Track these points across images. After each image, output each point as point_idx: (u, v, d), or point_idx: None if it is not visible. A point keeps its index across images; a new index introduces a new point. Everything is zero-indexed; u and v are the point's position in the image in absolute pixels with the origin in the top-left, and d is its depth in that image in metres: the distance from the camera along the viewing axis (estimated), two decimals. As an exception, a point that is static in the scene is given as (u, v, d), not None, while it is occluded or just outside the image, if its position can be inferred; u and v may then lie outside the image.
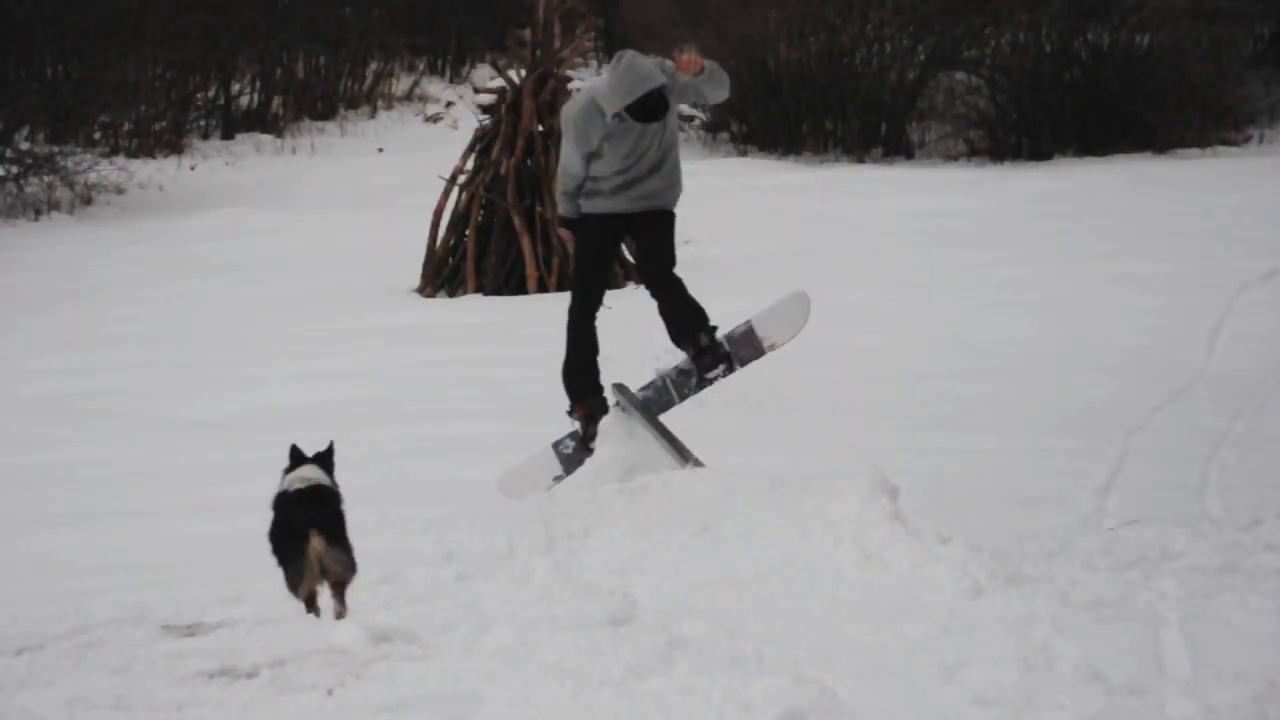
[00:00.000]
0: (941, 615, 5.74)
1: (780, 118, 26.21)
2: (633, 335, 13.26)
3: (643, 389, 8.44)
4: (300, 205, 22.14)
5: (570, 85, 17.03)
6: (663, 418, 8.88)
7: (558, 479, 8.20)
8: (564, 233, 8.39)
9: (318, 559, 6.11)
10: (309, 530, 6.07)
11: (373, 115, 29.46)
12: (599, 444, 8.49)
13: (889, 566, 6.22)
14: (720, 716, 4.90)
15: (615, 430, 9.07)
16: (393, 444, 9.58)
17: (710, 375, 8.40)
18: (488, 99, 18.09)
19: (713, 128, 27.84)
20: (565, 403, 8.49)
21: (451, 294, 16.40)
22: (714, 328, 8.29)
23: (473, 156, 16.92)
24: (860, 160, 25.69)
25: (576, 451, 8.33)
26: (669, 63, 7.93)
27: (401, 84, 30.66)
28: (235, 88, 28.32)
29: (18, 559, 7.23)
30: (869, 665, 5.28)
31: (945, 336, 12.55)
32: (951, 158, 25.87)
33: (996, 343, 12.17)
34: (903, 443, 8.88)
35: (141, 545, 7.34)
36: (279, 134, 27.94)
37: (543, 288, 16.14)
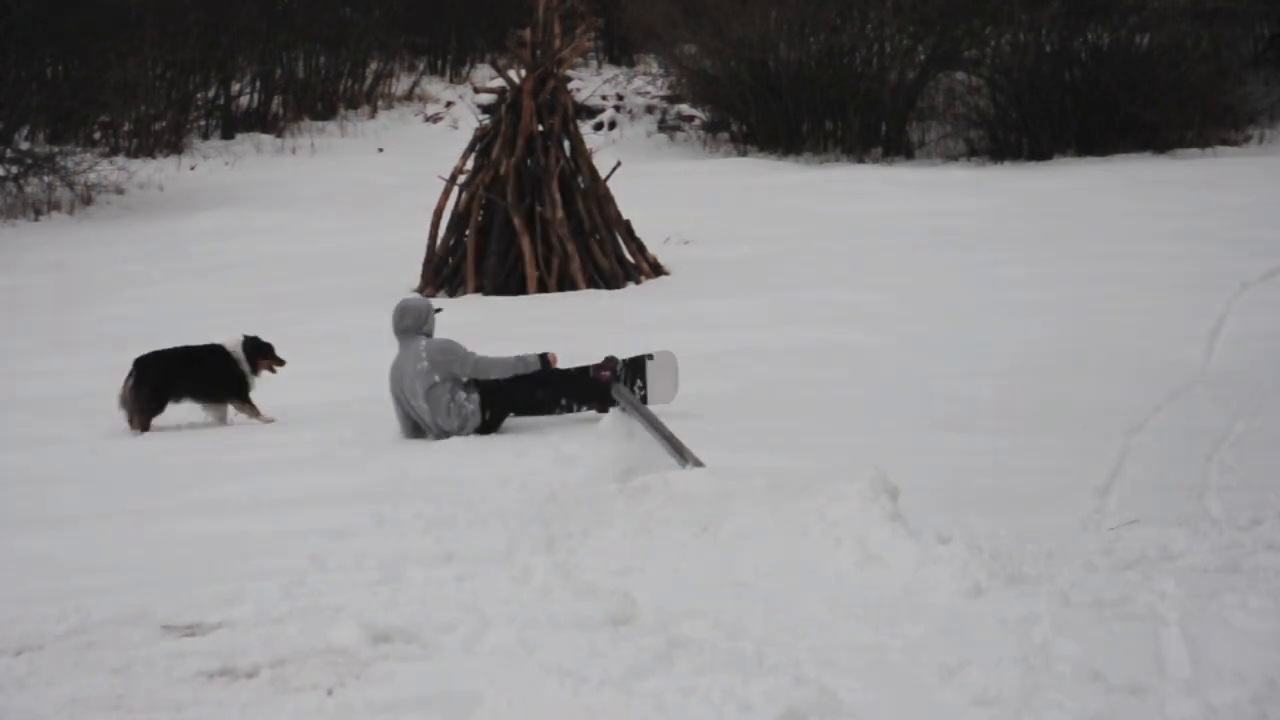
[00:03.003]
0: (941, 615, 5.74)
1: (780, 118, 26.21)
2: (634, 335, 13.28)
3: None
4: (300, 205, 22.14)
5: (570, 85, 17.04)
6: (662, 418, 8.90)
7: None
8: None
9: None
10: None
11: (373, 115, 29.46)
12: (599, 444, 8.57)
13: (889, 566, 6.22)
14: (720, 716, 4.90)
15: (615, 430, 9.08)
16: (392, 443, 9.59)
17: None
18: (488, 99, 18.15)
19: (713, 128, 27.84)
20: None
21: (451, 294, 16.40)
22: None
23: (473, 156, 16.92)
24: (860, 160, 25.69)
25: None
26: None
27: (401, 84, 30.66)
28: (235, 88, 28.32)
29: (18, 559, 7.23)
30: (869, 665, 5.28)
31: (945, 336, 12.55)
32: (951, 158, 25.87)
33: (996, 343, 12.17)
34: (903, 443, 8.87)
35: (141, 545, 7.33)
36: (279, 134, 27.95)
37: (543, 287, 16.15)
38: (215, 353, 10.56)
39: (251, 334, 10.73)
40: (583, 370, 9.84)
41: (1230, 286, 13.93)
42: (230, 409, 10.60)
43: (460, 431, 9.59)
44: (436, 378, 9.60)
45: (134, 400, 10.35)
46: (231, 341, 10.61)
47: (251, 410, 10.53)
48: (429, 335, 9.78)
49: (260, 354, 10.63)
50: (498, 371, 9.67)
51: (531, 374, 9.70)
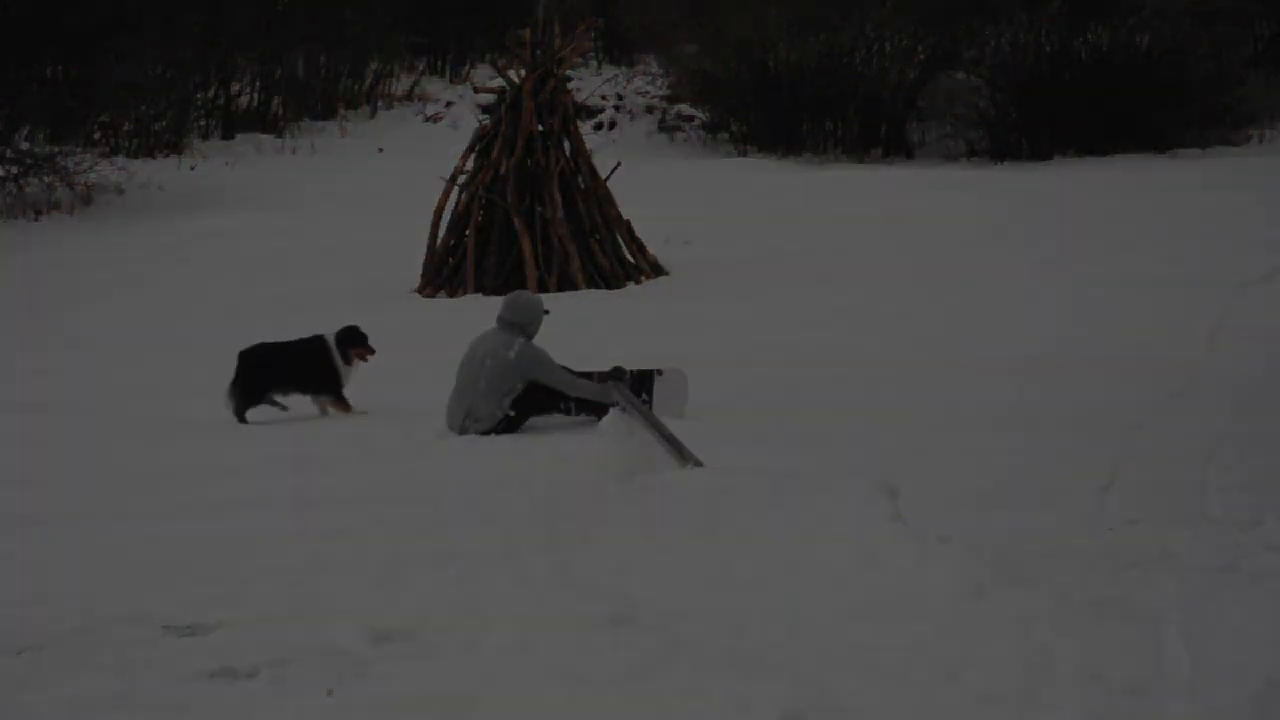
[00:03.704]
0: (941, 615, 5.74)
1: (780, 118, 26.22)
2: (634, 336, 13.29)
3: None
4: (300, 205, 22.14)
5: (570, 85, 17.05)
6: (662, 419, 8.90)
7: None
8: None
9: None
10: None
11: (373, 115, 29.48)
12: (599, 444, 8.56)
13: (889, 566, 6.21)
14: (720, 716, 4.90)
15: (615, 430, 9.09)
16: (393, 444, 9.59)
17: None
18: (488, 99, 18.10)
19: (713, 128, 27.85)
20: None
21: (451, 294, 16.41)
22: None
23: (473, 156, 16.93)
24: (860, 160, 25.69)
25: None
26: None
27: (401, 84, 30.67)
28: (235, 88, 28.33)
29: (17, 559, 7.23)
30: (869, 665, 5.28)
31: (945, 336, 12.56)
32: (951, 158, 25.88)
33: (996, 343, 12.18)
34: (903, 443, 8.88)
35: (141, 545, 7.33)
36: (279, 134, 27.95)
37: (543, 287, 16.15)
38: (313, 344, 10.67)
39: (350, 325, 10.83)
40: (587, 375, 9.83)
41: (1230, 286, 13.93)
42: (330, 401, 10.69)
43: (475, 426, 9.60)
44: (515, 374, 9.65)
45: (231, 391, 10.68)
46: (330, 334, 10.74)
47: (341, 405, 10.61)
48: (529, 336, 9.83)
49: (351, 344, 10.67)
50: (580, 392, 9.71)
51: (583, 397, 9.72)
